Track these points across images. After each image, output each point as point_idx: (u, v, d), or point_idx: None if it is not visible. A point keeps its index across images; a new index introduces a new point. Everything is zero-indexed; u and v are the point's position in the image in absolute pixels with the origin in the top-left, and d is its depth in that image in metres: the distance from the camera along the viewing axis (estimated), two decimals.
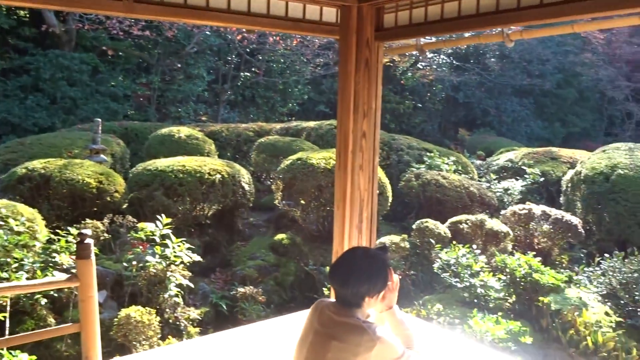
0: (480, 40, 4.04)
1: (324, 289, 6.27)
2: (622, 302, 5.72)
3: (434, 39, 5.87)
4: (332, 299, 2.33)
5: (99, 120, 7.98)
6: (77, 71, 13.91)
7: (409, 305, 5.85)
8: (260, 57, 18.11)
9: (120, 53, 15.39)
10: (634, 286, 5.69)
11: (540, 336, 5.29)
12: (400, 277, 2.45)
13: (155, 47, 15.68)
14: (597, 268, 6.37)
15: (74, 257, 5.09)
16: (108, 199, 6.54)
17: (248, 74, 18.31)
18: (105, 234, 6.06)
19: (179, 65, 16.21)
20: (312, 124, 11.71)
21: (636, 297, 5.60)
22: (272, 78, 18.30)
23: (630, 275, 5.81)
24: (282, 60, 18.25)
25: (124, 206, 7.12)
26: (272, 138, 9.95)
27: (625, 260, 6.11)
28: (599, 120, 23.56)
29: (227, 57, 17.75)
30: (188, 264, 5.65)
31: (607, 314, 5.60)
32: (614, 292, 5.85)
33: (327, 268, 6.47)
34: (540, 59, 21.06)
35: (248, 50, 17.39)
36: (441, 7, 3.38)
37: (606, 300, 5.90)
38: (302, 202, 7.36)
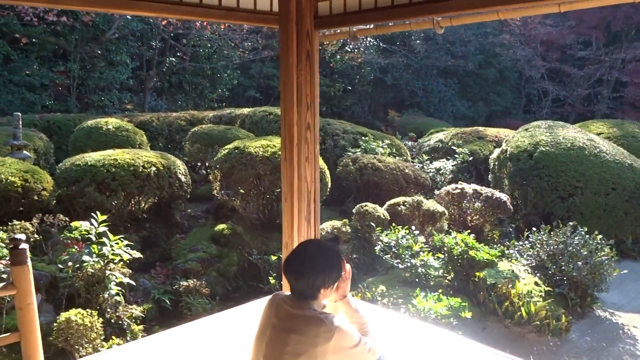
0: (411, 27, 4.14)
1: (269, 277, 6.27)
2: (549, 272, 6.10)
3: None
4: (287, 292, 2.34)
5: (19, 114, 7.49)
6: None
7: (353, 289, 5.96)
8: (186, 42, 17.62)
9: (34, 40, 14.48)
10: (560, 257, 6.08)
11: (478, 310, 5.56)
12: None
13: (72, 32, 14.86)
14: (526, 242, 6.74)
15: (2, 262, 4.82)
16: (35, 197, 6.20)
17: (174, 60, 17.78)
18: (36, 235, 5.75)
19: (99, 52, 15.48)
20: (245, 110, 11.57)
21: (562, 267, 6.00)
22: (200, 63, 17.88)
23: (556, 247, 6.20)
24: (209, 45, 17.84)
25: (52, 204, 6.78)
26: (206, 127, 9.74)
27: (551, 233, 6.51)
28: (518, 99, 24.76)
29: (151, 42, 17.14)
30: (127, 261, 5.47)
31: (537, 284, 5.96)
32: (542, 263, 6.24)
33: (272, 257, 6.48)
34: (462, 41, 21.79)
35: (172, 34, 16.87)
36: None
37: (536, 271, 6.27)
38: (242, 191, 7.30)
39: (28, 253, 3.06)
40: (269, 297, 2.40)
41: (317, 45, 3.64)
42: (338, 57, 19.26)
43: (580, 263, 5.92)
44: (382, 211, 7.16)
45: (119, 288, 5.30)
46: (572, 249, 6.05)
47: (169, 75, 17.77)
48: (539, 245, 6.38)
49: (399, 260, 6.04)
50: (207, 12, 3.58)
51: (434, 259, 6.00)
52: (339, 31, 4.25)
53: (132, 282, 5.50)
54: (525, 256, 6.49)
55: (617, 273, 6.19)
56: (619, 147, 9.85)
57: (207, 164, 9.77)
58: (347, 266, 2.45)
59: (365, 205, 7.17)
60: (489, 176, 9.96)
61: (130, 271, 5.64)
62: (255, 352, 2.29)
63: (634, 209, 8.33)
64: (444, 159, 10.54)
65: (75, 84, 15.13)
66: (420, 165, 10.34)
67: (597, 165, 8.63)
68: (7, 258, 4.85)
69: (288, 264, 2.28)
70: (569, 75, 21.78)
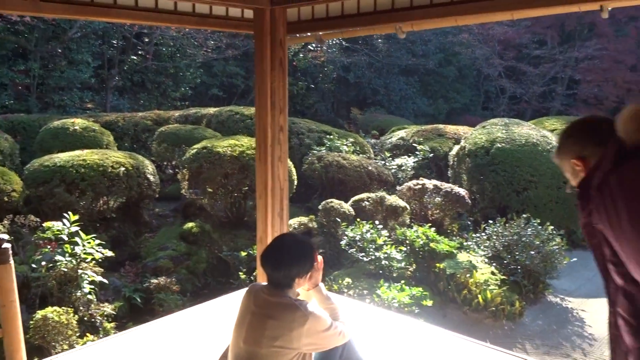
0: (375, 31, 4.40)
1: (239, 273, 6.45)
2: (505, 262, 6.49)
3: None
4: (264, 282, 2.55)
5: None
6: None
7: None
8: (148, 41, 17.50)
9: None
10: (514, 247, 6.48)
11: (439, 298, 5.90)
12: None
13: (32, 31, 14.61)
14: (483, 234, 7.13)
15: None
16: (5, 199, 6.22)
17: (136, 58, 17.64)
18: (7, 236, 5.77)
19: (60, 51, 15.26)
20: (211, 110, 11.67)
21: (516, 257, 6.39)
22: (162, 62, 17.79)
23: (510, 238, 6.60)
24: (172, 44, 17.77)
25: (21, 205, 6.79)
26: (172, 127, 9.83)
27: (506, 225, 6.90)
28: (476, 96, 25.45)
29: (112, 40, 16.96)
30: (99, 260, 5.58)
31: (493, 273, 6.34)
32: (498, 253, 6.62)
33: (242, 253, 6.67)
34: (423, 40, 22.28)
35: (135, 33, 16.75)
36: (342, 4, 3.67)
37: (492, 261, 6.66)
38: (210, 190, 7.44)
39: (10, 252, 3.20)
40: (243, 289, 2.59)
41: (286, 49, 3.85)
42: (301, 55, 19.45)
43: (533, 252, 6.32)
44: (347, 207, 7.44)
45: (92, 286, 5.41)
46: (526, 240, 6.46)
47: (131, 74, 17.62)
48: (494, 237, 6.77)
49: (363, 254, 6.32)
50: (182, 18, 3.76)
51: (397, 252, 6.30)
52: (306, 35, 4.46)
53: (105, 281, 5.61)
54: (482, 247, 6.87)
55: (567, 261, 6.63)
56: None
57: (174, 164, 9.85)
58: (319, 257, 2.67)
59: (331, 202, 7.43)
60: (449, 172, 10.36)
61: (102, 270, 5.74)
62: (235, 337, 2.48)
63: None
64: (406, 156, 10.88)
65: (36, 83, 14.89)
66: (383, 162, 10.66)
67: (550, 161, 9.08)
68: None
69: (266, 257, 2.48)
70: (525, 73, 22.50)
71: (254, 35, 3.46)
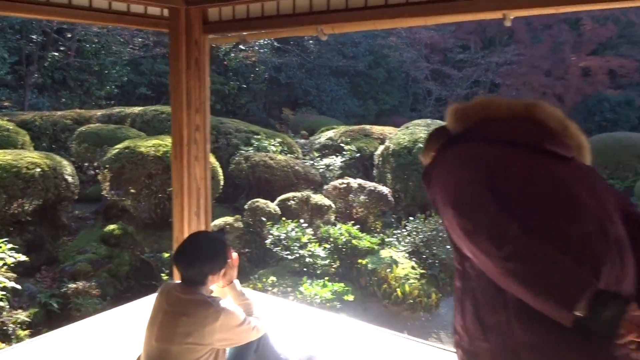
0: (297, 32, 4.48)
1: (162, 274, 6.37)
2: (424, 256, 6.77)
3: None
4: (177, 280, 2.57)
5: None
6: None
7: (245, 281, 6.22)
8: (70, 36, 16.80)
9: None
10: (432, 242, 6.78)
11: (360, 293, 6.08)
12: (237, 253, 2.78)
13: None
14: (403, 230, 7.39)
15: None
16: None
17: (56, 55, 16.88)
18: None
19: None
20: (136, 109, 11.39)
21: (434, 252, 6.69)
22: (86, 59, 17.13)
23: (429, 233, 6.89)
24: (96, 40, 17.14)
25: None
26: (94, 126, 9.53)
27: (425, 221, 7.20)
28: (405, 98, 26.16)
29: (31, 35, 16.16)
30: (12, 265, 5.35)
31: (413, 268, 6.60)
32: (418, 249, 6.90)
33: (165, 254, 6.59)
34: (353, 42, 22.67)
35: (55, 28, 16.04)
36: (262, 5, 3.73)
37: (412, 256, 6.93)
38: (133, 191, 7.29)
39: None
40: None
41: (207, 50, 3.86)
42: (232, 55, 19.29)
43: (449, 247, 6.62)
44: (273, 206, 7.50)
45: (3, 293, 5.18)
46: (443, 235, 6.76)
47: (51, 71, 16.84)
48: (415, 233, 7.04)
49: (288, 252, 6.41)
50: (97, 15, 3.68)
51: (321, 249, 6.43)
52: (230, 35, 4.47)
53: (18, 287, 5.39)
54: (403, 243, 7.13)
55: None
56: None
57: (95, 164, 9.54)
58: (234, 254, 2.72)
59: (257, 201, 7.46)
60: (374, 171, 10.64)
61: (15, 275, 5.51)
62: (147, 336, 2.48)
63: None
64: (334, 156, 11.06)
65: None
66: (312, 162, 10.79)
67: None
68: None
69: (178, 255, 2.51)
70: (449, 77, 23.30)
71: (170, 34, 3.46)
